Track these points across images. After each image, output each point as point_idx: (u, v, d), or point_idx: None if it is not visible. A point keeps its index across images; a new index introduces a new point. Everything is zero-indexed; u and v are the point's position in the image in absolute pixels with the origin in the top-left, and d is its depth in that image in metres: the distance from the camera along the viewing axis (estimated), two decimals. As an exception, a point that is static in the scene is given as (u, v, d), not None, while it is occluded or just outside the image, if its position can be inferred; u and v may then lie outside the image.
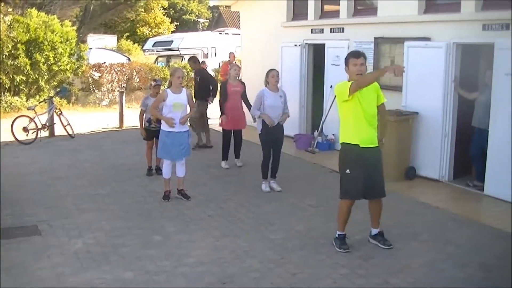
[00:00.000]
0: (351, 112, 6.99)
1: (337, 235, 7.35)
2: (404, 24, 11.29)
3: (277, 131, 9.99)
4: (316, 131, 13.94)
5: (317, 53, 14.43)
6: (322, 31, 14.04)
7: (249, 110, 10.95)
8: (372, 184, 7.08)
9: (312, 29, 14.39)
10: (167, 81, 9.87)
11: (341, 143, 7.18)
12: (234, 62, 19.66)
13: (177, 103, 9.10)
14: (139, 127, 11.38)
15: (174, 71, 9.33)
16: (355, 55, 7.08)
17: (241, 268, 6.70)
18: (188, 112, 9.56)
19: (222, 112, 11.68)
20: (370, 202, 7.30)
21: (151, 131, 10.96)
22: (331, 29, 13.69)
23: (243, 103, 11.83)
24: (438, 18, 10.57)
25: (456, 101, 10.33)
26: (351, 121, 7.02)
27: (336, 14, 13.56)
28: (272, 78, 9.87)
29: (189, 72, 26.78)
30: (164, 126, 9.27)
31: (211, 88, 13.90)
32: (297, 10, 15.25)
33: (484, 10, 9.78)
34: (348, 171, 7.07)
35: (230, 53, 22.91)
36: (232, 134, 11.93)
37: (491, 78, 9.48)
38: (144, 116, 11.08)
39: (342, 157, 7.19)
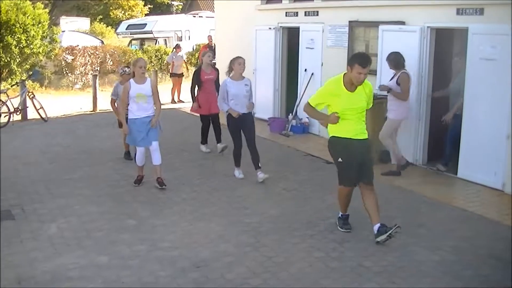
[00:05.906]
0: (334, 109, 7.00)
1: (340, 215, 7.46)
2: (379, 8, 11.30)
3: (245, 121, 9.69)
4: (290, 114, 13.95)
5: (291, 36, 14.41)
6: (296, 14, 14.00)
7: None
8: (360, 168, 7.03)
9: (286, 12, 14.33)
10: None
11: (330, 135, 7.17)
12: (212, 45, 19.59)
13: (140, 94, 9.03)
14: (114, 112, 11.33)
15: (136, 61, 9.25)
16: (362, 64, 6.74)
17: (215, 252, 6.71)
18: (155, 103, 9.31)
19: (194, 99, 11.58)
20: (363, 194, 7.08)
21: None
22: (305, 12, 13.65)
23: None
24: (412, 2, 10.57)
25: (430, 85, 10.38)
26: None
27: (311, -3, 13.53)
28: (238, 65, 9.54)
29: (163, 55, 26.66)
30: (130, 114, 9.20)
31: None
32: (272, -7, 15.17)
33: (458, -6, 9.82)
34: (340, 159, 7.08)
35: (208, 35, 22.78)
36: (211, 120, 11.80)
37: (460, 63, 9.54)
38: (116, 105, 10.94)
39: (332, 148, 7.20)
